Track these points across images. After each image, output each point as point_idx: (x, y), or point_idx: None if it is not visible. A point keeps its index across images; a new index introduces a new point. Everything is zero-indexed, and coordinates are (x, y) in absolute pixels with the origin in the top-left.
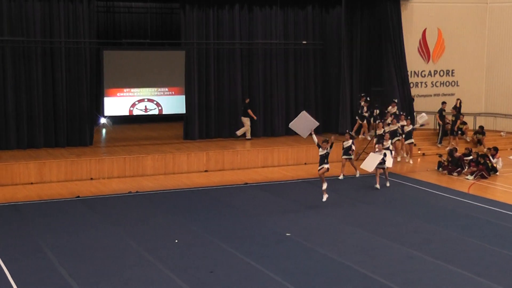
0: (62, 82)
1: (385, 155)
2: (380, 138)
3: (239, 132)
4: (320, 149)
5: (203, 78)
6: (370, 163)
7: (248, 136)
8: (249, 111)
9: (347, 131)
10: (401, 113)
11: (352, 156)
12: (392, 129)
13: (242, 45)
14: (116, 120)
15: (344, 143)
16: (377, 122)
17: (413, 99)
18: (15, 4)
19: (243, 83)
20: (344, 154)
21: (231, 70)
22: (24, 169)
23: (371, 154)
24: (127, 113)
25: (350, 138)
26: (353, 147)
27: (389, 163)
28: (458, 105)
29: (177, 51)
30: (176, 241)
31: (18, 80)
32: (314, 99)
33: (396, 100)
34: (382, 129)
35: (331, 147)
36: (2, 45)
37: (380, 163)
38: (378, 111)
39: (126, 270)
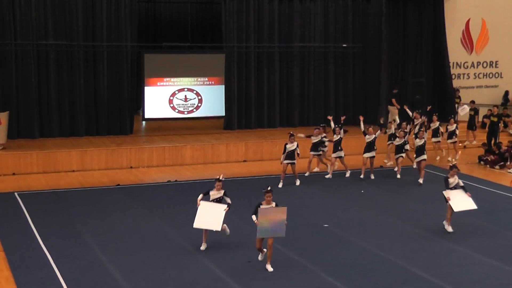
0: (103, 73)
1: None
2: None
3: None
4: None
5: (243, 72)
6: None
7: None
8: (393, 100)
9: (291, 132)
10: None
11: (295, 161)
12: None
13: (281, 49)
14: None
15: (288, 146)
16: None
17: (457, 89)
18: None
19: (281, 76)
20: (287, 158)
21: (270, 66)
22: (67, 157)
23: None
24: (167, 103)
25: (295, 141)
26: (298, 151)
27: (468, 204)
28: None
29: (217, 55)
30: (229, 234)
31: (61, 71)
32: (352, 91)
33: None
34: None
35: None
36: (47, 49)
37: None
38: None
39: (164, 258)
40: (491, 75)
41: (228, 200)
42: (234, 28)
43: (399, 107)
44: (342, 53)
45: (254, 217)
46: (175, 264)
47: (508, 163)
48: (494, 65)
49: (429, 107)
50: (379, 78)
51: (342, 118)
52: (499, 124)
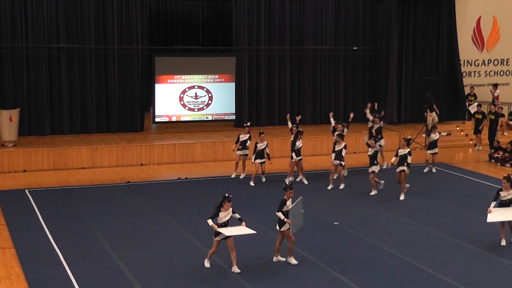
0: (114, 72)
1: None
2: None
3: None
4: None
5: (254, 73)
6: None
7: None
8: (433, 105)
9: (261, 131)
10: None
11: (265, 160)
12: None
13: (292, 51)
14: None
15: (258, 145)
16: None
17: (472, 87)
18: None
19: (292, 77)
20: (257, 157)
21: (281, 68)
22: (77, 154)
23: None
24: (177, 101)
25: (265, 140)
26: (267, 151)
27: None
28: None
29: (228, 57)
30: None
31: (72, 72)
32: (361, 91)
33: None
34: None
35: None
36: (58, 52)
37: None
38: None
39: (174, 255)
40: (502, 73)
41: (237, 216)
42: (245, 30)
43: (434, 112)
44: (352, 55)
45: (281, 214)
46: (185, 261)
47: None
48: (505, 62)
49: (382, 112)
50: (389, 78)
51: (298, 118)
52: (497, 121)
